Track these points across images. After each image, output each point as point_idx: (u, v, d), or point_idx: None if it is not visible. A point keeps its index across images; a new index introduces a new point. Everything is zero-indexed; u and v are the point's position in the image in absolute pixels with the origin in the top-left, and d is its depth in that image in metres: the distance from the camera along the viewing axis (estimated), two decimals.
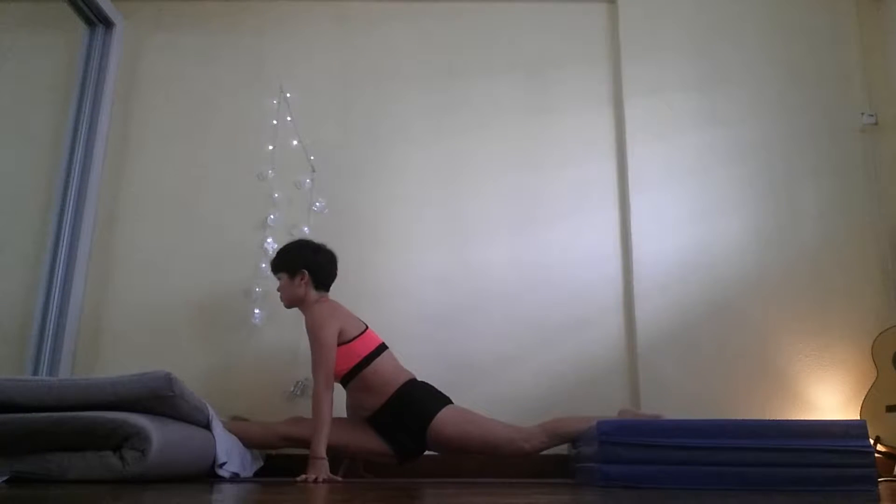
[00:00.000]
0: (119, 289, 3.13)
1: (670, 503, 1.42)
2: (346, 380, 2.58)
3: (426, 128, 3.32)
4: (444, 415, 2.54)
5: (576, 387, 3.00)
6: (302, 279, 2.65)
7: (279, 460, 2.80)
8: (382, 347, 2.63)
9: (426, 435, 2.54)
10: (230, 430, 2.53)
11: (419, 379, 2.67)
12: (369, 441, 2.59)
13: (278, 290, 2.71)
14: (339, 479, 2.41)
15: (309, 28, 3.44)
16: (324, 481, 2.31)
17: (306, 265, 2.66)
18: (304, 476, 2.35)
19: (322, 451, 2.40)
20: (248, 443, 2.59)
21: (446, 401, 2.62)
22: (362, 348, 2.57)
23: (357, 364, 2.55)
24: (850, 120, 3.25)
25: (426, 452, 2.63)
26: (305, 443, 2.59)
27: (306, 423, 2.62)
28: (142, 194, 3.25)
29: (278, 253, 2.73)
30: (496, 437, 2.54)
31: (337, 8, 3.46)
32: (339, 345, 2.54)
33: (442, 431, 2.53)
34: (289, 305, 2.72)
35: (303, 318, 3.05)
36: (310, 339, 2.55)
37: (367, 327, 2.65)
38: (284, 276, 2.69)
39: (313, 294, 2.67)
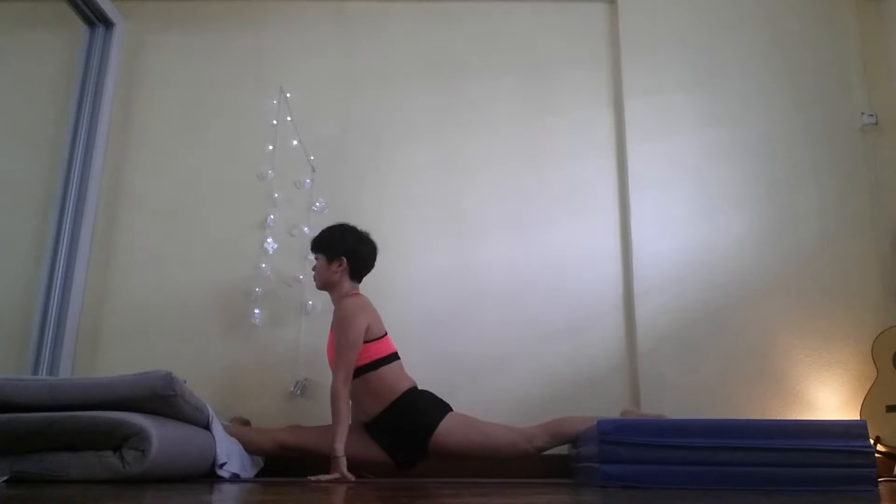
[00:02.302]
0: (119, 289, 3.13)
1: (670, 503, 1.42)
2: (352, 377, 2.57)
3: (426, 127, 3.32)
4: (446, 425, 2.53)
5: (576, 387, 3.00)
6: (339, 265, 2.64)
7: (279, 460, 2.80)
8: (395, 356, 2.63)
9: (428, 445, 2.54)
10: (229, 435, 2.52)
11: (420, 382, 2.66)
12: (368, 450, 2.58)
13: (313, 269, 2.71)
14: (353, 478, 2.40)
15: (309, 28, 3.44)
16: (339, 480, 2.32)
17: (346, 252, 2.64)
18: (317, 477, 2.36)
19: (341, 448, 2.40)
20: (247, 448, 2.58)
21: (446, 409, 2.60)
22: (376, 352, 2.56)
23: (366, 364, 2.54)
24: (850, 120, 3.26)
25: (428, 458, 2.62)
26: (304, 451, 2.59)
27: (305, 432, 2.63)
28: (142, 194, 3.25)
29: (322, 232, 2.70)
30: (499, 441, 2.53)
31: (337, 7, 3.47)
32: (364, 341, 2.53)
33: (445, 442, 2.52)
34: (321, 287, 2.70)
35: (304, 315, 3.05)
36: (336, 332, 2.54)
37: (386, 333, 2.64)
38: (322, 257, 2.67)
39: (347, 284, 2.65)
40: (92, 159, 3.18)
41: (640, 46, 3.35)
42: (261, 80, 3.35)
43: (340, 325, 2.53)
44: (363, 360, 2.54)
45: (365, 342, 2.54)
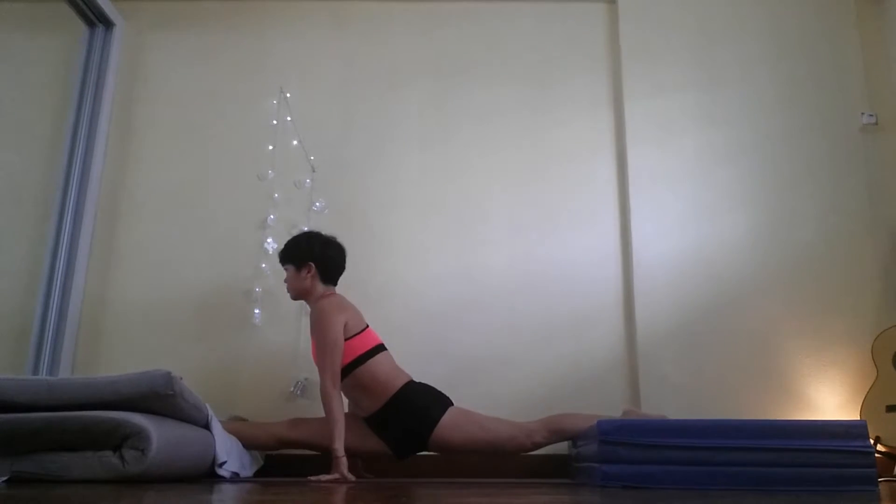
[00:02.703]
0: (119, 289, 3.13)
1: (670, 503, 1.42)
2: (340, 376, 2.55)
3: (426, 128, 3.32)
4: (447, 420, 2.53)
5: (576, 386, 3.00)
6: (308, 272, 2.64)
7: (279, 460, 2.80)
8: (380, 348, 2.61)
9: (428, 440, 2.54)
10: (228, 431, 2.52)
11: (418, 379, 2.66)
12: (366, 440, 2.58)
13: (285, 281, 2.70)
14: (353, 478, 2.40)
15: (309, 28, 3.44)
16: (339, 481, 2.32)
17: (313, 258, 2.64)
18: (317, 477, 2.36)
19: (340, 449, 2.40)
20: (247, 444, 2.59)
21: (447, 403, 2.60)
22: (359, 346, 2.55)
23: (352, 362, 2.53)
24: (850, 120, 3.25)
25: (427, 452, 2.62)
26: (304, 445, 2.59)
27: (305, 426, 2.62)
28: (142, 194, 3.25)
29: (286, 244, 2.71)
30: (499, 435, 2.54)
31: (337, 8, 3.46)
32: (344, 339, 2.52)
33: (446, 437, 2.52)
34: (294, 297, 2.70)
35: (304, 315, 3.05)
36: (315, 335, 2.53)
37: (367, 326, 2.63)
38: (291, 267, 2.67)
39: (320, 287, 2.65)
40: (92, 159, 3.18)
41: (640, 47, 3.34)
42: (261, 81, 3.35)
43: (319, 328, 2.51)
44: (347, 358, 2.52)
45: (346, 339, 2.53)
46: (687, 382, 2.96)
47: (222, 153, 3.28)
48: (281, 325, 3.06)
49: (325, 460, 2.46)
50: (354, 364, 2.53)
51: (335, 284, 2.70)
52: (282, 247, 2.72)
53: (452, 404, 2.61)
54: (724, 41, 3.36)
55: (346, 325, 2.53)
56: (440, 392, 2.63)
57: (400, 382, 2.57)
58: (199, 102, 3.35)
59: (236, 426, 2.61)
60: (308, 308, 3.03)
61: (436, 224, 3.19)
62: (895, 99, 3.22)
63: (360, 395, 2.57)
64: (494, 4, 3.46)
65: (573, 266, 3.14)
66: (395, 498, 1.47)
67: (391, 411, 2.54)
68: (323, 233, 2.72)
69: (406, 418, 2.54)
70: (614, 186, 3.25)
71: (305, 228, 3.13)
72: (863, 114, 3.23)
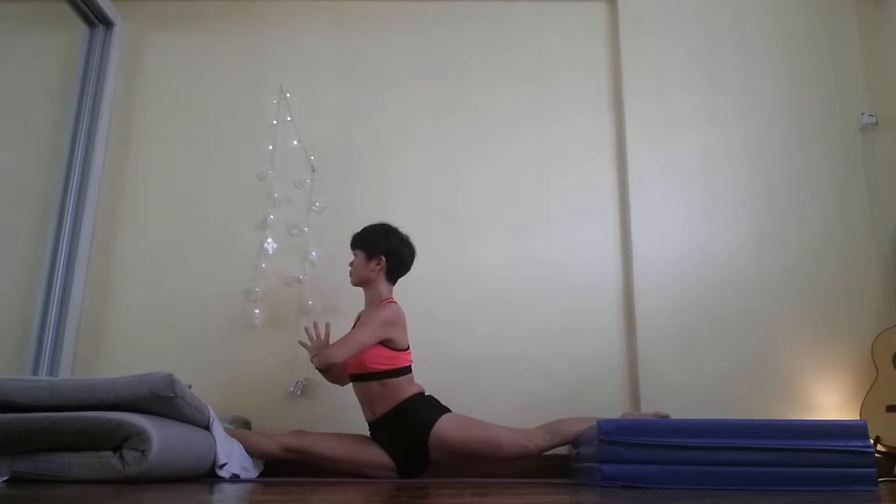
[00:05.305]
0: (119, 289, 3.13)
1: (670, 503, 1.42)
2: (371, 377, 2.57)
3: (426, 128, 3.32)
4: (444, 421, 2.55)
5: (575, 387, 3.00)
6: (378, 264, 2.65)
7: (279, 462, 2.80)
8: (410, 368, 2.65)
9: (428, 443, 2.54)
10: (232, 436, 2.52)
11: (419, 382, 2.68)
12: (371, 454, 2.59)
13: (350, 264, 2.71)
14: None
15: (309, 28, 3.44)
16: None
17: (386, 252, 2.65)
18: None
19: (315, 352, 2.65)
20: (249, 451, 2.58)
21: (446, 410, 2.63)
22: (403, 361, 2.61)
23: (391, 370, 2.57)
24: (850, 120, 3.26)
25: (429, 463, 2.62)
26: (307, 455, 2.60)
27: (309, 437, 2.64)
28: (142, 194, 3.24)
29: (364, 229, 2.72)
30: (499, 437, 2.54)
31: (337, 8, 3.46)
32: (391, 349, 2.56)
33: (444, 437, 2.53)
34: (356, 284, 2.71)
35: (304, 315, 3.05)
36: (365, 323, 2.57)
37: (408, 346, 2.67)
38: (361, 254, 2.68)
39: (383, 285, 2.67)
40: (92, 159, 3.18)
41: (640, 46, 3.34)
42: (260, 80, 3.34)
43: (372, 320, 2.55)
44: (390, 365, 2.56)
45: (397, 350, 2.58)
46: (687, 382, 2.96)
47: (222, 153, 3.28)
48: (281, 324, 3.06)
49: (328, 464, 2.46)
50: (391, 373, 2.57)
51: (395, 284, 2.72)
52: (358, 231, 2.72)
53: (451, 412, 2.63)
54: (725, 41, 3.36)
55: (393, 340, 2.57)
56: (442, 404, 2.65)
57: (411, 392, 2.60)
58: (199, 102, 3.35)
59: (241, 433, 2.61)
60: (309, 307, 3.04)
61: (435, 224, 3.19)
62: (895, 99, 3.22)
63: (378, 399, 2.59)
64: (494, 4, 3.46)
65: (573, 266, 3.14)
66: (395, 498, 1.47)
67: (395, 414, 2.57)
68: (400, 230, 2.73)
69: (407, 420, 2.56)
70: (614, 186, 3.24)
71: (306, 229, 3.14)
72: (863, 114, 3.24)
